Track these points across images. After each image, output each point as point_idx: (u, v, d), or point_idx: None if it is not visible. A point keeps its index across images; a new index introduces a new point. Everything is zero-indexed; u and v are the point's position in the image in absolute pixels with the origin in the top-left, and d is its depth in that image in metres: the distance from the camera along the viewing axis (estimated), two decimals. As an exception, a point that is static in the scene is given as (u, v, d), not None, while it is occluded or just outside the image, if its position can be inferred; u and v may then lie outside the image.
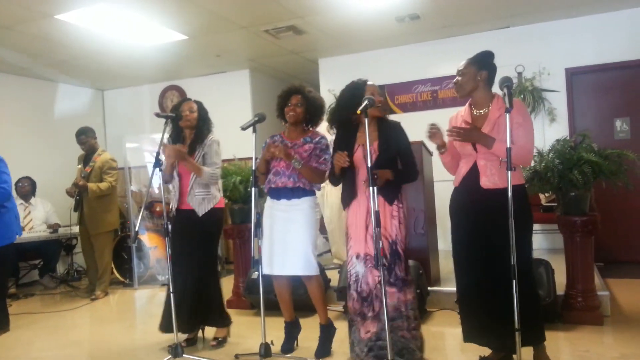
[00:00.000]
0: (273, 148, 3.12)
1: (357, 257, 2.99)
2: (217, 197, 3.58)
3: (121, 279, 6.09)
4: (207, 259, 3.59)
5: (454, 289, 3.94)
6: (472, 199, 2.74)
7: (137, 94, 7.93)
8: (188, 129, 3.60)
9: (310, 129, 3.34)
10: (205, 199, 3.51)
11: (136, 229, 3.21)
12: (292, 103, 3.23)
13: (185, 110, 3.56)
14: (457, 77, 2.84)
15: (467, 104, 2.91)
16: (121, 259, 6.13)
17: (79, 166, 5.55)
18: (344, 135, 3.09)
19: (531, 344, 2.74)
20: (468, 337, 2.90)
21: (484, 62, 2.81)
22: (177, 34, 5.50)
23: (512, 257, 2.52)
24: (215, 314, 3.60)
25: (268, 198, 3.33)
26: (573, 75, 5.83)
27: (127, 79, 7.50)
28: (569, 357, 2.98)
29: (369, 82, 3.06)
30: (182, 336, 3.55)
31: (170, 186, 3.60)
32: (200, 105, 3.65)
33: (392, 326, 2.90)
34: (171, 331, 3.33)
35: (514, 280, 2.51)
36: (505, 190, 2.59)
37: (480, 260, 2.74)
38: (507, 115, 2.54)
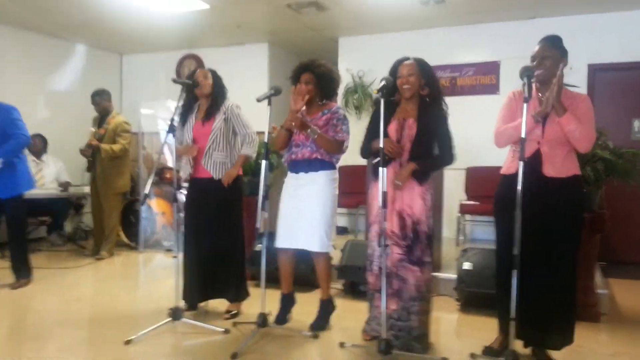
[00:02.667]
0: (290, 119, 3.11)
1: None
2: (232, 162, 3.56)
3: (127, 241, 6.18)
4: (230, 229, 3.53)
5: (453, 275, 3.99)
6: (532, 187, 2.56)
7: (155, 60, 7.93)
8: (204, 97, 3.57)
9: (325, 102, 3.31)
10: (223, 163, 3.51)
11: (146, 192, 3.22)
12: (301, 81, 3.23)
13: (200, 77, 3.53)
14: (541, 60, 2.69)
15: (535, 87, 2.76)
16: (129, 222, 6.22)
17: (92, 128, 5.60)
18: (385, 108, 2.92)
19: (558, 348, 2.74)
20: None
21: (562, 47, 2.73)
22: (200, 3, 5.47)
23: (516, 248, 2.51)
24: (233, 287, 3.57)
25: (288, 172, 3.34)
26: (595, 72, 5.73)
27: (146, 45, 7.50)
28: (562, 351, 2.98)
29: (405, 61, 2.97)
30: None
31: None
32: (214, 73, 3.63)
33: (414, 308, 2.89)
34: (192, 303, 3.42)
35: (515, 270, 2.51)
36: (565, 179, 2.61)
37: (531, 251, 2.61)
38: (525, 105, 2.51)
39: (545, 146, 2.66)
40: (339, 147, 3.21)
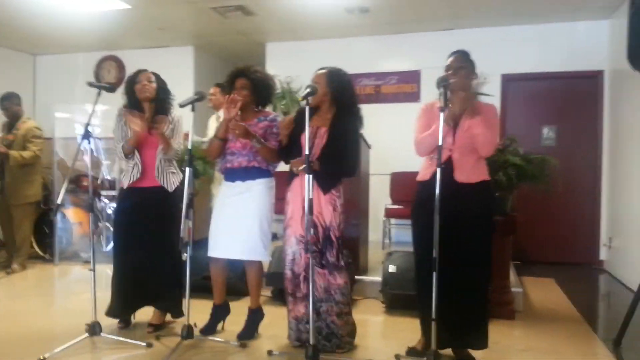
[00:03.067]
0: (233, 127, 3.05)
1: (295, 237, 3.04)
2: (179, 174, 3.47)
3: (41, 253, 5.81)
4: (167, 239, 3.33)
5: (379, 278, 4.07)
6: (444, 193, 2.64)
7: (71, 61, 7.55)
8: (147, 102, 3.40)
9: (261, 109, 3.31)
10: (174, 174, 3.40)
11: (59, 201, 3.04)
12: (236, 87, 3.19)
13: (142, 80, 3.36)
14: (456, 70, 2.81)
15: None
16: (42, 233, 5.85)
17: (1, 134, 5.24)
18: (301, 116, 3.02)
19: (480, 347, 2.85)
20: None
21: (473, 61, 2.88)
22: (119, 2, 5.27)
23: (434, 251, 2.60)
24: (164, 295, 3.40)
25: (223, 181, 3.28)
26: (509, 81, 6.09)
27: (62, 45, 7.12)
28: (480, 348, 3.13)
29: (319, 71, 3.08)
30: (103, 314, 3.41)
31: (129, 161, 3.35)
32: (158, 76, 3.47)
33: (321, 310, 2.97)
34: (119, 317, 3.32)
35: (434, 273, 2.60)
36: (475, 185, 2.75)
37: (446, 256, 2.68)
38: (441, 114, 2.62)
39: (457, 152, 2.79)
40: (277, 156, 3.22)
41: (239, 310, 3.40)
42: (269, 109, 3.45)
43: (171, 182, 3.38)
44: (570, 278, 5.21)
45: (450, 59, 2.88)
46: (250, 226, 3.16)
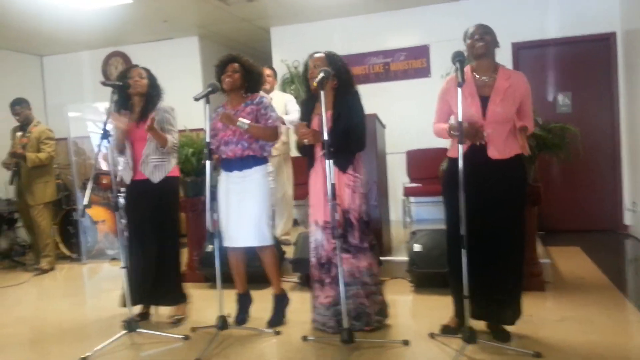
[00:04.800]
0: (215, 117, 3.11)
1: (317, 224, 3.07)
2: (171, 164, 3.47)
3: (68, 253, 5.89)
4: (166, 231, 3.44)
5: (404, 258, 4.08)
6: (479, 170, 2.66)
7: (78, 60, 7.54)
8: (137, 96, 3.44)
9: (248, 95, 3.31)
10: (157, 166, 3.40)
11: (84, 203, 3.07)
12: (228, 70, 3.24)
13: (134, 76, 3.40)
14: (482, 35, 2.75)
15: (469, 69, 2.83)
16: (67, 233, 5.92)
17: (18, 134, 5.30)
18: (305, 104, 3.16)
19: (512, 322, 2.85)
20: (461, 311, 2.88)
21: (494, 32, 2.82)
22: (122, -3, 5.24)
23: (462, 227, 2.59)
24: (170, 292, 3.50)
25: (221, 171, 3.30)
26: (519, 50, 5.99)
27: (67, 45, 7.11)
28: (514, 321, 3.14)
29: (315, 54, 3.10)
30: (136, 310, 3.48)
31: (122, 157, 3.45)
32: (149, 71, 3.51)
33: (350, 293, 2.98)
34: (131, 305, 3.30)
35: (463, 250, 2.59)
36: (508, 160, 2.72)
37: (480, 232, 2.70)
38: (459, 89, 2.57)
39: (489, 128, 2.71)
40: (274, 133, 3.23)
41: (269, 298, 3.42)
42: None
43: (155, 174, 3.40)
44: (596, 245, 5.18)
45: (472, 28, 2.82)
46: (256, 213, 3.20)
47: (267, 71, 5.17)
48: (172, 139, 3.40)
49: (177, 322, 3.45)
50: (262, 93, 3.38)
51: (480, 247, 2.70)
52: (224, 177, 3.28)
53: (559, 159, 3.96)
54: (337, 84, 3.06)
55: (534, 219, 3.85)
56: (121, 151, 3.43)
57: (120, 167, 3.49)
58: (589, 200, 5.94)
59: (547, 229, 5.55)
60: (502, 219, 2.74)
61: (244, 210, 3.20)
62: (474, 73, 2.83)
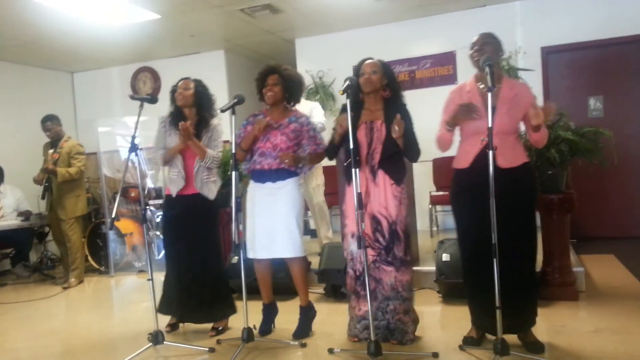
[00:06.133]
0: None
1: (352, 235, 3.00)
2: (219, 180, 3.52)
3: (96, 266, 5.98)
4: (211, 246, 3.46)
5: (432, 268, 4.00)
6: (486, 179, 2.57)
7: (108, 76, 7.72)
8: (187, 108, 3.45)
9: (293, 108, 3.30)
10: (214, 182, 3.44)
11: (113, 216, 3.11)
12: (269, 83, 3.19)
13: (180, 87, 3.43)
14: (481, 46, 2.75)
15: (473, 78, 2.84)
16: (95, 246, 6.01)
17: (51, 150, 5.42)
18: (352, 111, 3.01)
19: (525, 330, 2.78)
20: (478, 322, 2.90)
21: (498, 40, 2.81)
22: (149, 13, 5.33)
23: (493, 236, 2.52)
24: (222, 309, 3.48)
25: (251, 181, 3.28)
26: (548, 54, 5.87)
27: (97, 61, 7.29)
28: (546, 332, 3.04)
29: (368, 60, 3.02)
30: (164, 323, 3.49)
31: (162, 169, 3.47)
32: (198, 83, 3.50)
33: (390, 307, 2.94)
34: (169, 313, 3.35)
35: (494, 259, 2.53)
36: (517, 168, 2.68)
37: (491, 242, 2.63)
38: (489, 94, 2.53)
39: (496, 138, 2.65)
40: (322, 157, 3.25)
41: (295, 309, 3.39)
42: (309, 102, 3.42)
43: (211, 190, 3.42)
44: (631, 253, 4.99)
45: (476, 37, 2.82)
46: (289, 224, 3.17)
47: None
48: (213, 153, 3.39)
49: (217, 333, 3.43)
50: (299, 111, 3.33)
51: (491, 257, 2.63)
52: (254, 187, 3.26)
53: (592, 164, 3.83)
54: (389, 93, 3.02)
55: (567, 227, 3.74)
56: (167, 162, 3.43)
57: (167, 177, 3.50)
58: (623, 206, 5.75)
59: (581, 237, 5.38)
60: (513, 228, 2.65)
61: (277, 220, 3.16)
62: (478, 83, 2.80)
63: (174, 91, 3.46)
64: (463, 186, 2.81)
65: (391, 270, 2.93)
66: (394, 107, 2.97)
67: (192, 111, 3.46)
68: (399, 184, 2.94)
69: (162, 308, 3.47)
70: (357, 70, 3.01)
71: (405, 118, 2.93)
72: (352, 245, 3.00)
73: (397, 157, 2.96)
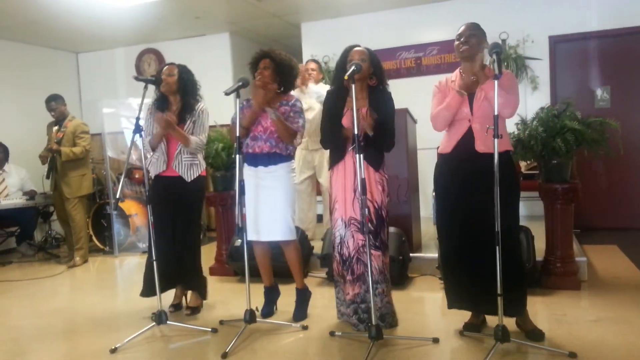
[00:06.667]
0: (254, 98, 3.13)
1: (342, 220, 3.02)
2: (202, 164, 3.53)
3: (101, 246, 6.02)
4: (192, 227, 3.52)
5: (434, 255, 4.02)
6: (466, 165, 2.71)
7: (112, 57, 7.69)
8: (171, 95, 3.47)
9: (284, 93, 3.29)
10: (192, 165, 3.45)
11: (117, 196, 3.13)
12: (259, 67, 3.22)
13: (164, 73, 3.44)
14: (467, 38, 2.75)
15: (458, 70, 2.89)
16: (100, 227, 6.05)
17: (54, 128, 5.42)
18: (335, 97, 3.07)
19: (513, 315, 2.78)
20: (453, 303, 2.94)
21: (483, 31, 2.81)
22: (155, -6, 5.30)
23: (497, 224, 2.52)
24: (194, 278, 3.56)
25: (245, 165, 3.29)
26: (556, 44, 5.82)
27: (102, 42, 7.25)
28: (547, 320, 3.06)
29: (356, 47, 3.02)
30: (167, 303, 3.52)
31: (150, 152, 3.49)
32: (182, 68, 3.50)
33: (378, 290, 2.97)
34: (151, 295, 3.34)
35: (497, 247, 2.53)
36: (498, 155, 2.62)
37: (469, 226, 2.73)
38: (496, 82, 2.52)
39: (476, 123, 2.71)
40: (292, 137, 3.20)
41: (294, 293, 3.43)
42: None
43: (189, 173, 3.43)
44: (634, 243, 5.00)
45: (462, 28, 2.81)
46: (281, 208, 3.21)
47: (312, 65, 5.19)
48: (198, 140, 3.42)
49: (192, 312, 3.52)
50: (292, 95, 3.34)
51: (472, 241, 2.71)
52: (248, 170, 3.27)
53: (597, 155, 3.82)
54: (375, 82, 3.02)
55: (571, 216, 3.74)
56: (154, 148, 3.46)
57: (148, 161, 3.51)
58: (627, 197, 5.74)
59: (584, 227, 5.38)
60: (491, 214, 2.59)
61: (269, 204, 3.21)
62: (462, 73, 2.85)
63: (152, 77, 3.43)
64: (443, 170, 2.86)
65: (379, 254, 2.96)
66: (379, 96, 2.99)
67: (177, 97, 3.48)
68: (377, 169, 2.97)
69: (144, 291, 3.50)
70: (345, 56, 3.01)
71: (388, 107, 2.98)
72: (341, 229, 3.03)
73: (380, 145, 2.98)
